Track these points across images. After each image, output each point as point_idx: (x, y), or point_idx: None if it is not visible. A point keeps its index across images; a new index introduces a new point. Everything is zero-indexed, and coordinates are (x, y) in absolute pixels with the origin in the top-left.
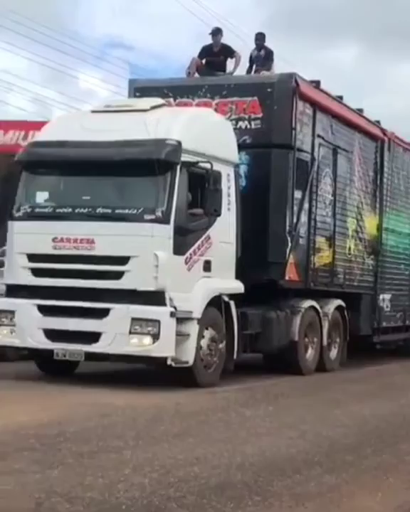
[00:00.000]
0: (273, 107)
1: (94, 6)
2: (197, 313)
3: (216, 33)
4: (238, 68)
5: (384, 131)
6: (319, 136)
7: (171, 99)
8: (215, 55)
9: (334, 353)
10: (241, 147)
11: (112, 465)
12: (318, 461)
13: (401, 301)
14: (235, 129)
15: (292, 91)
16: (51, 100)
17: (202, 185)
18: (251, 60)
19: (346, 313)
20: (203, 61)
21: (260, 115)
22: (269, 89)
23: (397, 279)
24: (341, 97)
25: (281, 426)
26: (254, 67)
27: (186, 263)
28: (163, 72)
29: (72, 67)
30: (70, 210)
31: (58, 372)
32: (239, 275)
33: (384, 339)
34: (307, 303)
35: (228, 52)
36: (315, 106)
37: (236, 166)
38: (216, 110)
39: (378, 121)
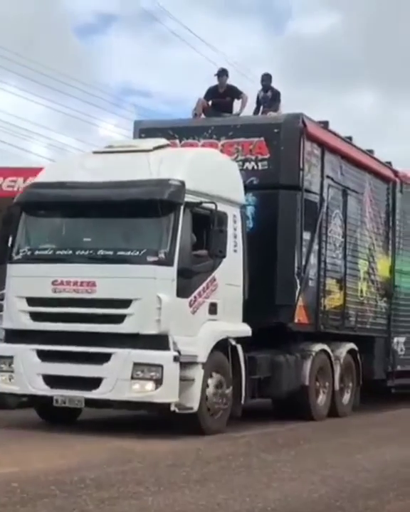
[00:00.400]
0: (280, 148)
1: (111, 55)
2: (202, 358)
3: (222, 74)
4: (245, 109)
5: (395, 172)
6: (328, 177)
7: (177, 141)
8: (221, 96)
9: (346, 397)
10: (248, 188)
11: (133, 511)
12: (340, 506)
13: None
14: (241, 170)
15: (299, 131)
16: (69, 147)
17: (207, 226)
18: (258, 102)
19: (358, 356)
20: (210, 102)
21: (267, 156)
22: (276, 130)
23: None
24: (350, 138)
25: (303, 471)
26: (261, 108)
27: (191, 306)
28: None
29: (89, 114)
30: (70, 252)
31: (59, 420)
32: (247, 318)
33: (398, 383)
34: (318, 346)
35: (235, 93)
36: (324, 146)
37: (243, 207)
38: (222, 151)
39: (389, 163)
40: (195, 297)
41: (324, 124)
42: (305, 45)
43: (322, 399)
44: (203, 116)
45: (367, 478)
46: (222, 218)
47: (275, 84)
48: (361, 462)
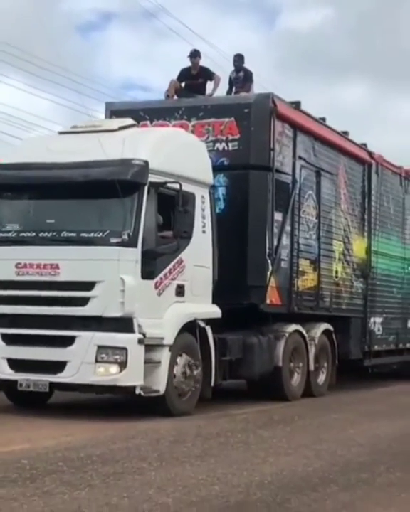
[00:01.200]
0: (251, 128)
1: (112, 50)
2: (169, 340)
3: (194, 55)
4: (218, 90)
5: (371, 154)
6: (300, 157)
7: (148, 122)
8: (194, 78)
9: (322, 377)
10: (219, 169)
11: (137, 485)
12: (334, 479)
13: (394, 324)
14: (212, 150)
15: (269, 111)
16: None
17: (173, 207)
18: (231, 82)
19: (334, 337)
20: (183, 84)
21: (237, 136)
22: (246, 110)
23: (389, 302)
24: (324, 119)
25: (298, 446)
26: (234, 89)
27: (157, 287)
28: None
29: (91, 107)
30: (33, 234)
31: (29, 404)
32: (218, 299)
33: (376, 363)
34: (292, 327)
35: (207, 74)
36: (295, 127)
37: (212, 188)
38: (192, 132)
39: (364, 144)
40: (161, 279)
41: (296, 105)
42: (298, 39)
43: (296, 379)
44: (175, 97)
45: (359, 452)
46: (187, 198)
47: (268, 77)
48: (354, 437)
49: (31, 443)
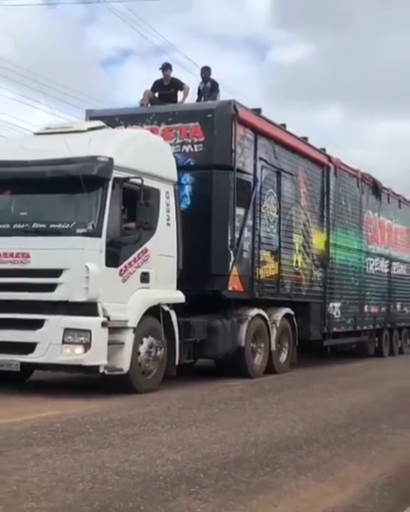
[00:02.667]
0: (214, 132)
1: (129, 81)
2: (133, 323)
3: (166, 68)
4: (187, 99)
5: (329, 158)
6: (261, 159)
7: (122, 127)
8: (166, 89)
9: (283, 356)
10: (186, 169)
11: (151, 445)
12: (316, 439)
13: (352, 309)
14: (180, 152)
15: (231, 116)
16: None
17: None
18: (199, 92)
19: (295, 320)
20: (156, 94)
21: (202, 139)
22: (209, 115)
23: (347, 289)
24: (284, 125)
25: (286, 411)
26: (202, 98)
27: (121, 274)
28: None
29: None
30: (7, 226)
31: (10, 381)
32: (185, 287)
33: (334, 343)
34: (254, 311)
35: (178, 85)
36: (256, 131)
37: (177, 185)
38: (162, 136)
39: (323, 149)
40: (126, 267)
41: (257, 111)
42: (283, 70)
43: (258, 358)
44: (149, 106)
45: (337, 416)
46: (149, 193)
47: (257, 103)
48: (333, 404)
49: (61, 410)
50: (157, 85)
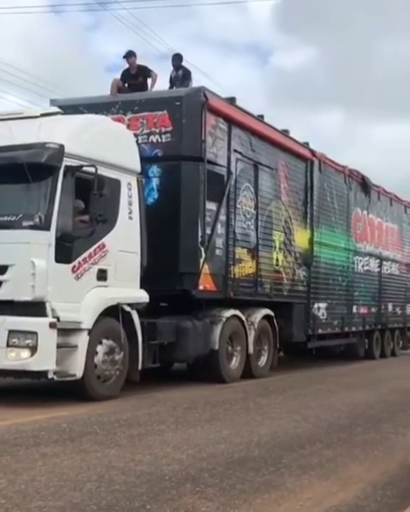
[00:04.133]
0: (182, 120)
1: None
2: (87, 324)
3: (129, 55)
4: (155, 86)
5: (313, 152)
6: (236, 151)
7: None
8: (134, 78)
9: (263, 360)
10: (153, 160)
11: (157, 444)
12: (318, 439)
13: (339, 309)
14: (147, 142)
15: (200, 104)
16: None
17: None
18: (171, 81)
19: (275, 321)
20: (126, 85)
21: (170, 128)
22: (178, 103)
23: (333, 289)
24: (262, 116)
25: (289, 411)
26: (174, 87)
27: (74, 271)
28: None
29: None
30: None
31: None
32: (153, 286)
33: (320, 345)
34: (230, 312)
35: (145, 72)
36: (230, 121)
37: (142, 176)
38: (128, 125)
39: (306, 143)
40: (79, 263)
41: (231, 100)
42: (285, 75)
43: (235, 362)
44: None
45: (340, 416)
46: (104, 183)
47: (260, 107)
48: (335, 404)
49: (68, 411)
50: (125, 75)
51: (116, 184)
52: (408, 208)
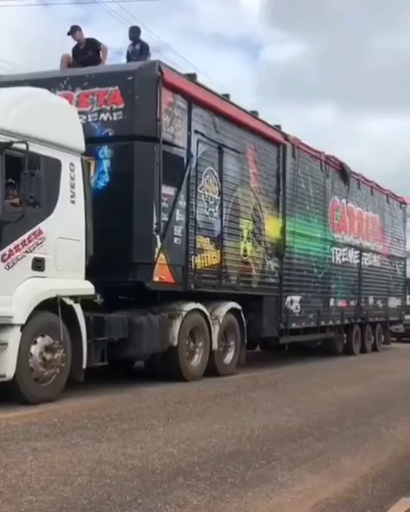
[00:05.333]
0: (135, 97)
1: None
2: (19, 319)
3: (73, 31)
4: (106, 60)
5: (286, 136)
6: (197, 132)
7: None
8: (84, 53)
9: (229, 356)
10: (104, 141)
11: (148, 439)
12: (310, 432)
13: (315, 302)
14: (97, 121)
15: (155, 79)
16: None
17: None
18: (128, 56)
19: (242, 315)
20: (79, 62)
21: (121, 106)
22: (130, 78)
23: (308, 281)
24: (227, 96)
25: (280, 405)
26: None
27: (4, 260)
28: None
29: None
30: None
31: None
32: (103, 277)
33: (293, 340)
34: (190, 306)
35: (94, 45)
36: (190, 100)
37: (89, 157)
38: (77, 102)
39: (278, 126)
40: (10, 251)
41: (191, 77)
42: (276, 69)
43: (197, 359)
44: None
45: (330, 410)
46: (39, 162)
47: (251, 101)
48: (326, 398)
49: (59, 405)
50: (75, 51)
51: (55, 164)
52: (390, 198)
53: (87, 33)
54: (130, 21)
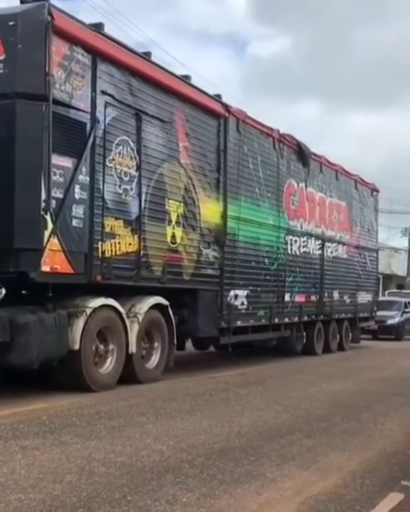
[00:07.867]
0: (17, 46)
1: None
2: None
3: None
4: None
5: (228, 107)
6: (105, 93)
7: None
8: None
9: (153, 360)
10: None
11: (137, 436)
12: (299, 429)
13: (266, 298)
14: None
15: (43, 25)
16: None
17: None
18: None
19: (170, 312)
20: None
21: (2, 57)
22: (12, 23)
23: (257, 273)
24: (148, 54)
25: (269, 402)
26: None
27: None
28: None
29: None
30: None
31: None
32: None
33: (239, 340)
34: (98, 301)
35: None
36: (96, 54)
37: None
38: None
39: (218, 96)
40: None
41: (96, 26)
42: (261, 64)
43: (107, 365)
44: None
45: (319, 406)
46: None
47: (236, 97)
48: (315, 394)
49: (48, 403)
50: None
51: None
52: (360, 184)
53: None
54: (115, 16)
